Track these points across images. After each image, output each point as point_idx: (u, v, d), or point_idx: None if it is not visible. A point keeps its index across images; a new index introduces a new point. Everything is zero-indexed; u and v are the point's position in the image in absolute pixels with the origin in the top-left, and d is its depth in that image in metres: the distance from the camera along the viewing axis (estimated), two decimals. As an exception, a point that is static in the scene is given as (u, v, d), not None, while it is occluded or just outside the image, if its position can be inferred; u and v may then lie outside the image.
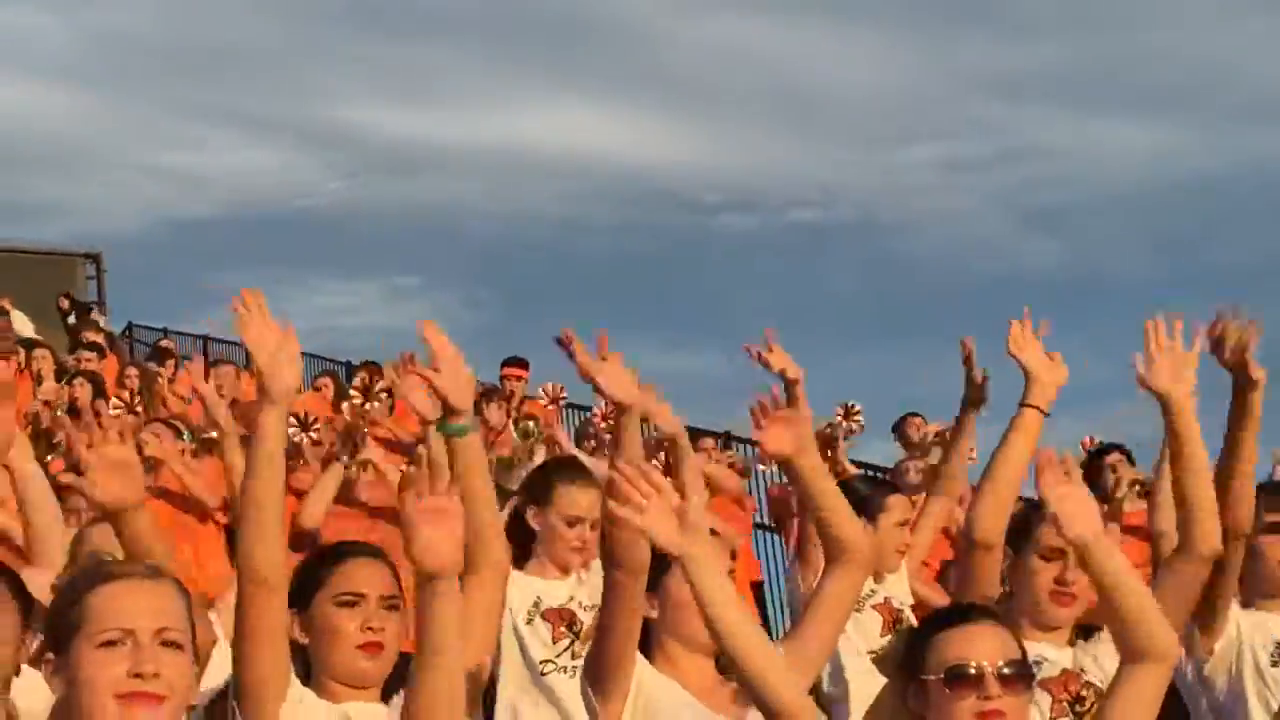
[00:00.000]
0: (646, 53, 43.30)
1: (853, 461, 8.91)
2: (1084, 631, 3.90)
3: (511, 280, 40.24)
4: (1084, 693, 3.65)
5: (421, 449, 5.87)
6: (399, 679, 3.14)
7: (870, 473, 9.02)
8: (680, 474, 3.81)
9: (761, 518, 10.89)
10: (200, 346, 20.29)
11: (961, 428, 4.79)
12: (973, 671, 2.98)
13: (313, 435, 7.24)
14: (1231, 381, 3.96)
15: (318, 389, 12.81)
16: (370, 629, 3.21)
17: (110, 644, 2.52)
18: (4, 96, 38.65)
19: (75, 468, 3.27)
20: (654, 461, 3.99)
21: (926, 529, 4.97)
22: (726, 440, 10.76)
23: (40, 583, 3.45)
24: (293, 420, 7.12)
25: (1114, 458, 7.58)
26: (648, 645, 3.44)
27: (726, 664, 3.08)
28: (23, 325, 13.88)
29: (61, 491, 4.29)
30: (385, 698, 3.23)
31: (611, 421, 10.15)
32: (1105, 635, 3.74)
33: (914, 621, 4.67)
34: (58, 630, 2.59)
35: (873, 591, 4.61)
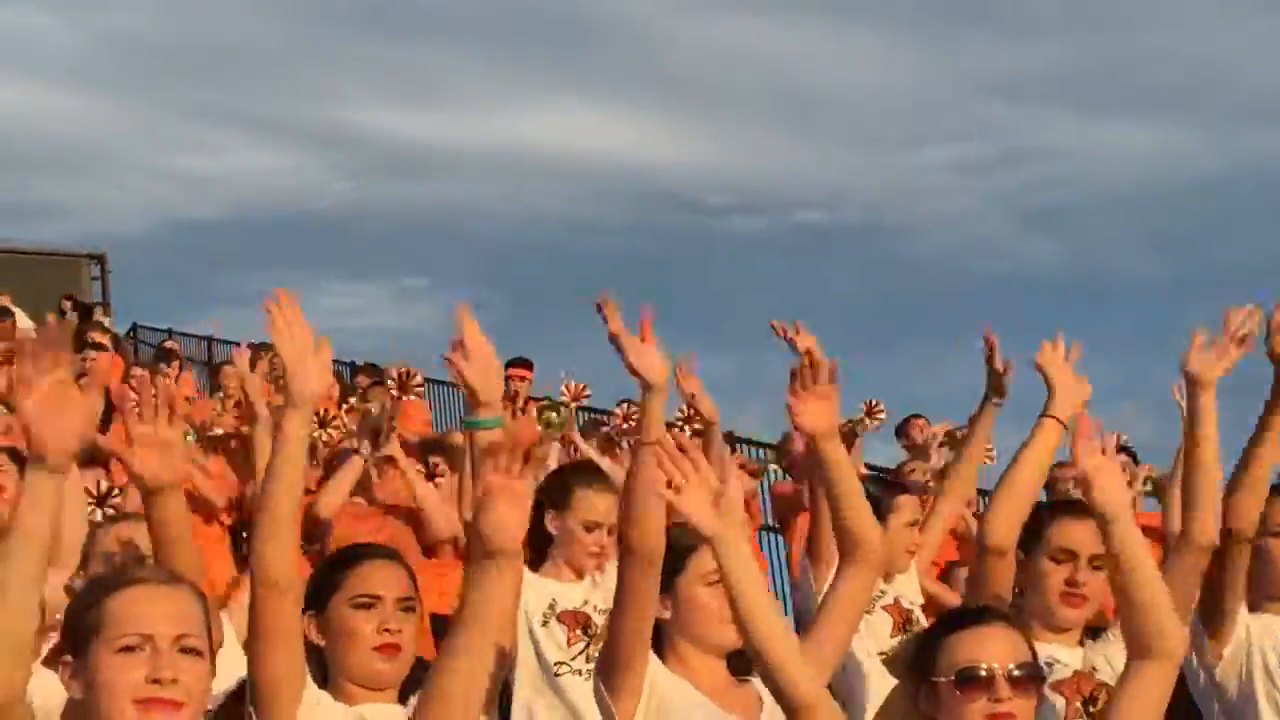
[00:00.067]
0: (649, 53, 43.35)
1: (856, 462, 8.91)
2: (1091, 633, 3.92)
3: (518, 281, 40.29)
4: (1096, 692, 3.66)
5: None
6: (415, 681, 3.15)
7: (876, 474, 9.02)
8: (711, 459, 3.81)
9: (765, 518, 10.89)
10: (205, 348, 20.30)
11: (980, 420, 4.80)
12: (984, 673, 3.00)
13: (330, 434, 7.21)
14: (1274, 373, 4.00)
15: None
16: (387, 631, 3.21)
17: (129, 649, 2.53)
18: (11, 98, 38.74)
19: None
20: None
21: (936, 529, 4.97)
22: (731, 442, 10.75)
23: (54, 582, 3.46)
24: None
25: (1121, 459, 7.55)
26: (659, 646, 3.45)
27: (750, 656, 3.07)
28: (23, 325, 13.88)
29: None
30: (402, 699, 3.22)
31: (633, 423, 10.18)
32: (1114, 635, 3.76)
33: (924, 621, 4.68)
34: (76, 633, 2.60)
35: (882, 592, 4.61)
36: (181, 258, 41.74)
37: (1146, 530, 6.12)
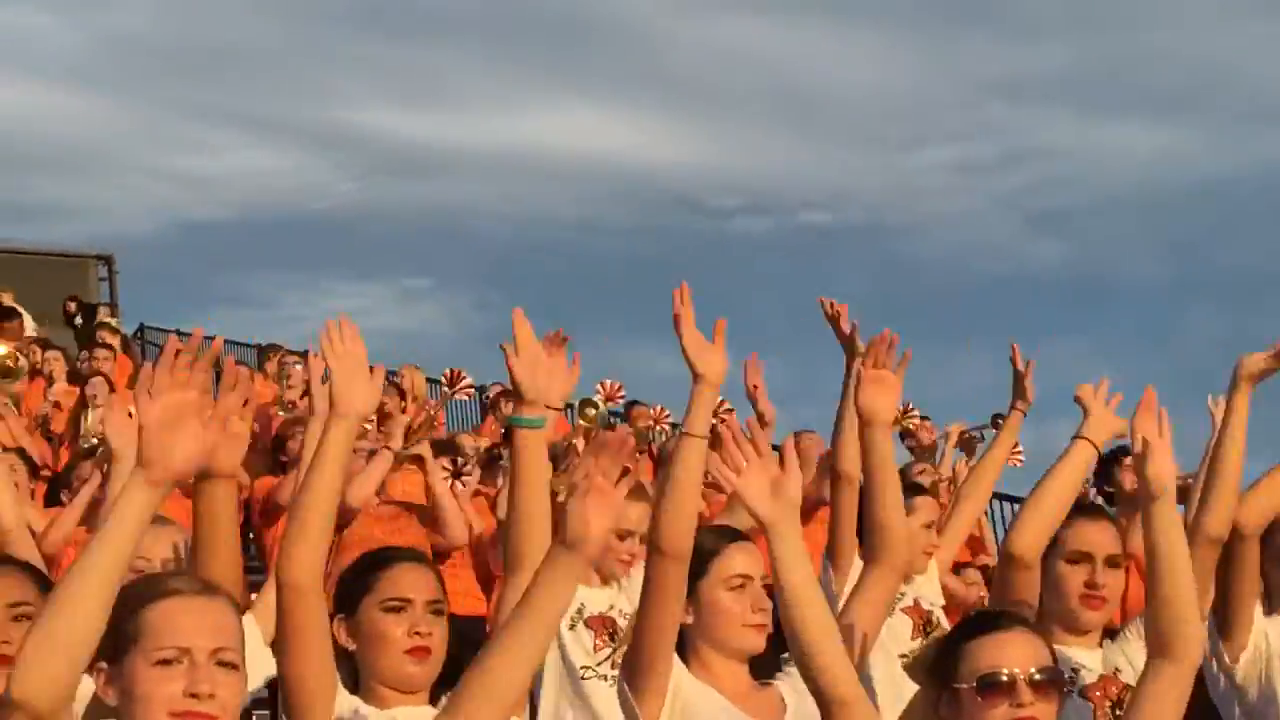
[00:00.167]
0: (651, 54, 43.34)
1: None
2: (1109, 634, 3.94)
3: (523, 283, 40.28)
4: (1124, 694, 3.66)
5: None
6: (446, 682, 3.17)
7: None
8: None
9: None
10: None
11: (1007, 426, 4.90)
12: (1005, 679, 3.00)
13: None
14: None
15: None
16: (418, 634, 3.22)
17: (167, 663, 2.53)
18: (17, 99, 38.71)
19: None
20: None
21: (958, 531, 5.00)
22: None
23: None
24: None
25: (1130, 461, 7.56)
26: (682, 652, 3.46)
27: (790, 648, 3.09)
28: (27, 326, 13.91)
29: None
30: (433, 700, 3.23)
31: (664, 426, 10.18)
32: (1131, 633, 3.79)
33: (945, 622, 4.72)
34: (113, 640, 2.58)
35: (901, 594, 4.63)
36: (185, 258, 41.78)
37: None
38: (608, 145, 46.13)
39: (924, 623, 4.70)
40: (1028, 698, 2.99)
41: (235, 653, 2.59)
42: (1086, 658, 3.80)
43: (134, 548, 2.46)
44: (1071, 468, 4.09)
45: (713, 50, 43.70)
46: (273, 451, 8.16)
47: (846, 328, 4.52)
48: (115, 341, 13.27)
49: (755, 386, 4.94)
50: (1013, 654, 3.03)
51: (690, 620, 3.47)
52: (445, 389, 8.45)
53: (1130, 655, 3.75)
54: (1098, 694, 3.72)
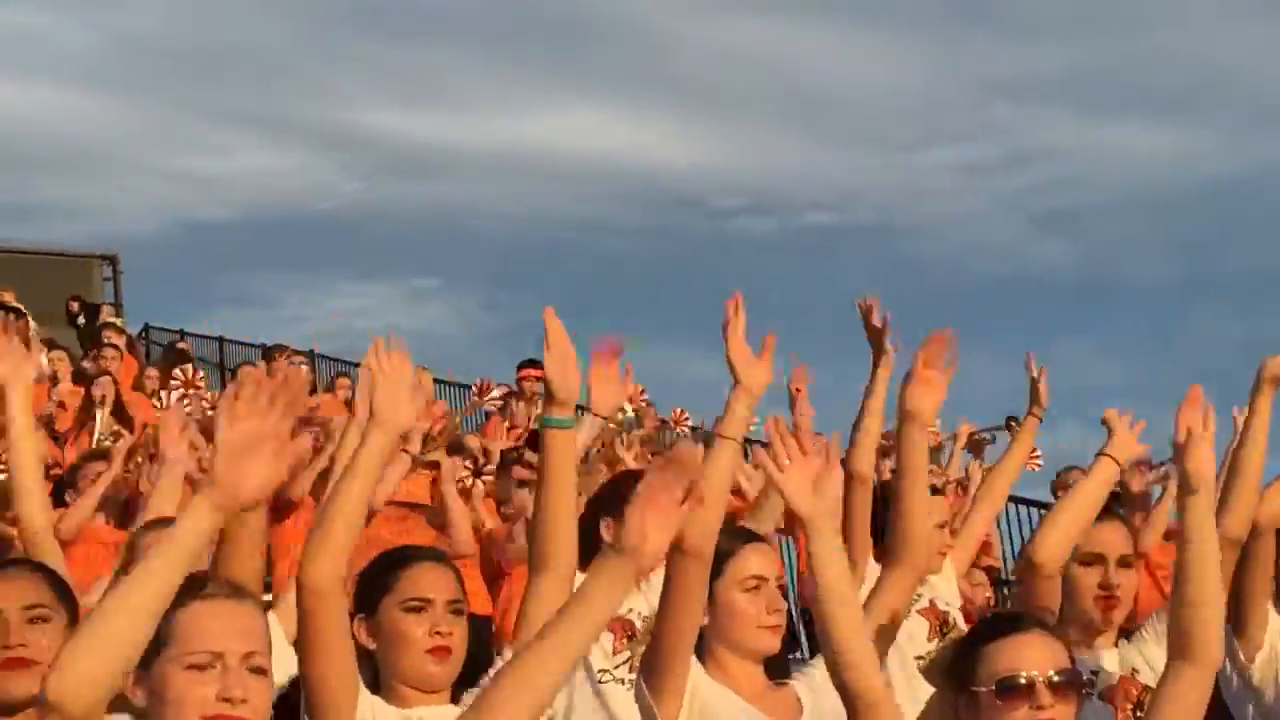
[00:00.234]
0: (655, 54, 43.38)
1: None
2: (1125, 634, 3.95)
3: (530, 282, 40.31)
4: (1143, 696, 3.68)
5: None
6: (467, 681, 3.17)
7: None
8: None
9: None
10: (216, 348, 20.33)
11: (1024, 430, 4.96)
12: (1024, 682, 2.99)
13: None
14: None
15: (334, 390, 12.86)
16: (438, 633, 3.23)
17: (199, 667, 2.54)
18: (22, 99, 38.81)
19: None
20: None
21: (974, 532, 5.02)
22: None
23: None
24: None
25: (1163, 469, 7.58)
26: (699, 653, 3.46)
27: (821, 646, 3.09)
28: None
29: None
30: (454, 699, 3.24)
31: (686, 428, 10.20)
32: (1147, 633, 3.79)
33: (961, 623, 4.73)
34: None
35: (917, 595, 4.63)
36: (190, 258, 41.81)
37: (1170, 536, 6.19)
38: (610, 145, 46.20)
39: (940, 624, 4.70)
40: (1047, 700, 2.98)
41: (265, 657, 2.60)
42: (1106, 661, 3.81)
43: (192, 566, 2.44)
44: (1096, 483, 4.16)
45: (716, 50, 43.76)
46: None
47: (878, 321, 4.50)
48: (121, 341, 13.27)
49: (798, 390, 4.93)
50: (1031, 656, 3.02)
51: (706, 621, 3.47)
52: (475, 397, 8.65)
53: (1148, 656, 3.75)
54: (1119, 697, 3.73)
